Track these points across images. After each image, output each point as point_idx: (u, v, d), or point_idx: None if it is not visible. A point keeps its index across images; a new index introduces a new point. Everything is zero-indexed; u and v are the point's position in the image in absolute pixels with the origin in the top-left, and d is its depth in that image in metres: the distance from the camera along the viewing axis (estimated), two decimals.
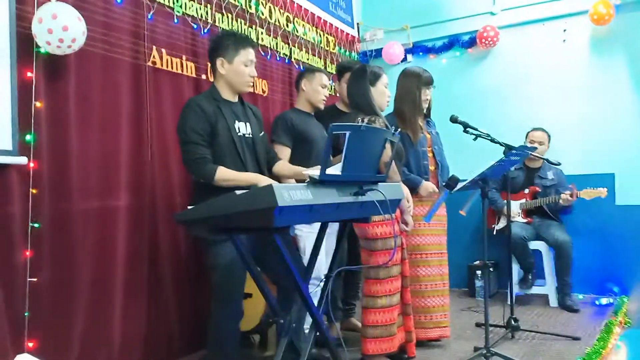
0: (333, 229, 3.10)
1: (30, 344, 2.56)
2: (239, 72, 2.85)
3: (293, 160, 3.43)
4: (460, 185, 3.12)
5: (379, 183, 2.42)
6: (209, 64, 3.06)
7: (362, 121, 3.02)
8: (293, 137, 3.50)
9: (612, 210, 4.81)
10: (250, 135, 2.91)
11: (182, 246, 3.45)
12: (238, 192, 2.02)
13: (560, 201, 4.56)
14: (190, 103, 2.80)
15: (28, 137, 2.61)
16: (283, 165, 3.10)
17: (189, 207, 2.25)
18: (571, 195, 4.50)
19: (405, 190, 3.24)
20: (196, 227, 2.71)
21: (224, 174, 2.68)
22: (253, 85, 4.06)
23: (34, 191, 2.63)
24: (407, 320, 3.28)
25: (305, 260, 3.01)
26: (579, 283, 4.75)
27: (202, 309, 3.36)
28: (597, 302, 4.68)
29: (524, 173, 4.87)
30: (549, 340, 3.69)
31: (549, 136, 4.85)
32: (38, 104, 2.66)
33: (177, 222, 2.51)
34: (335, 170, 2.16)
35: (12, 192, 2.56)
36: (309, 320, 2.80)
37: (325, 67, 5.06)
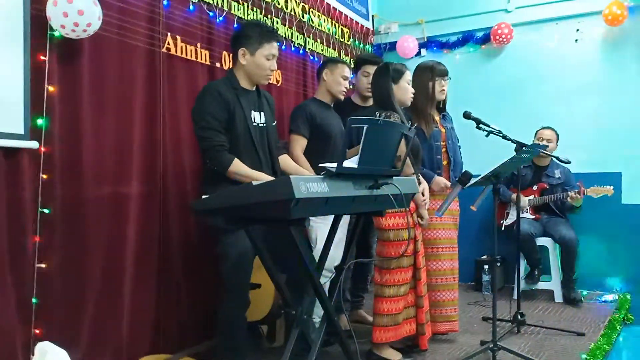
0: (344, 218, 3.10)
1: (37, 331, 2.56)
2: (260, 64, 2.83)
3: (309, 152, 3.43)
4: (472, 181, 3.13)
5: (394, 177, 2.41)
6: (230, 52, 3.03)
7: (380, 116, 3.02)
8: (311, 129, 3.49)
9: (619, 209, 4.82)
10: (264, 125, 2.91)
11: (193, 235, 3.44)
12: (255, 182, 2.02)
13: (568, 199, 4.59)
14: (209, 88, 2.78)
15: (40, 122, 2.59)
16: (285, 161, 3.09)
17: (204, 197, 2.25)
18: (578, 193, 4.54)
19: (423, 184, 3.25)
20: (210, 217, 2.70)
21: (238, 167, 2.67)
22: None
23: (45, 176, 2.62)
24: (420, 312, 3.29)
25: (316, 250, 3.01)
26: (584, 280, 4.80)
27: (213, 298, 3.35)
28: (601, 299, 4.72)
29: (532, 171, 4.89)
30: (554, 335, 3.73)
31: (557, 135, 4.85)
32: (51, 88, 2.63)
33: (194, 211, 2.51)
34: (351, 163, 2.16)
35: (23, 176, 2.54)
36: (317, 312, 2.79)
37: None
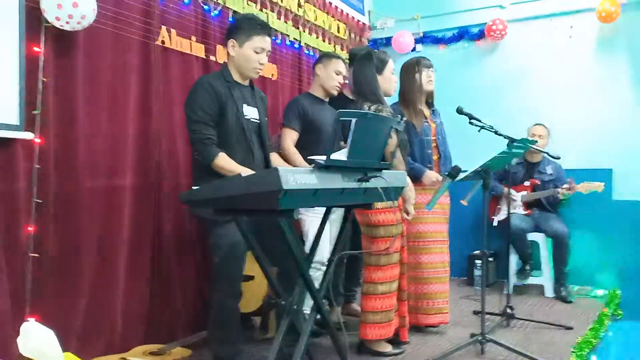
0: (338, 215, 3.13)
1: (22, 325, 2.58)
2: (247, 57, 2.83)
3: (301, 146, 3.45)
4: (462, 175, 3.16)
5: (383, 170, 2.44)
6: (224, 45, 3.04)
7: (369, 109, 3.03)
8: (303, 123, 3.51)
9: (609, 205, 4.85)
10: (258, 121, 2.92)
11: (186, 227, 3.47)
12: (244, 174, 2.04)
13: (559, 195, 4.63)
14: (202, 81, 2.80)
15: (34, 113, 2.61)
16: (274, 160, 3.09)
17: (194, 188, 2.27)
18: (569, 189, 4.58)
19: (408, 180, 3.28)
20: (200, 208, 2.73)
21: (224, 162, 2.68)
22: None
23: (39, 167, 2.64)
24: (402, 305, 3.32)
25: (309, 243, 3.04)
26: (574, 275, 4.83)
27: (205, 289, 3.39)
28: (590, 294, 4.76)
29: (524, 167, 4.93)
30: (543, 328, 3.76)
31: (548, 132, 4.89)
32: (45, 80, 2.65)
33: (182, 202, 2.53)
34: (340, 155, 2.18)
35: (17, 167, 2.56)
36: (308, 303, 2.83)
37: None
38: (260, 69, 2.91)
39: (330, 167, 2.13)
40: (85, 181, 2.89)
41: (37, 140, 2.62)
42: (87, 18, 2.64)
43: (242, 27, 2.83)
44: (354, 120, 2.15)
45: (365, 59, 3.23)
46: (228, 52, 2.87)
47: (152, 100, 3.26)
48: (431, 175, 3.54)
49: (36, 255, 2.61)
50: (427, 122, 3.66)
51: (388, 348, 3.24)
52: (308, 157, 2.17)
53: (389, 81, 3.37)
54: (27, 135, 2.57)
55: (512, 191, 4.68)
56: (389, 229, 3.13)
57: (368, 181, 2.32)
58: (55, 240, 2.74)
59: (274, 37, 2.95)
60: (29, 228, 2.60)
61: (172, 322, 3.38)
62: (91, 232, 2.91)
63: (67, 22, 2.59)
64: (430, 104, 3.78)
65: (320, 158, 2.13)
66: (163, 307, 3.32)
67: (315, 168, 2.10)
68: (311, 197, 2.09)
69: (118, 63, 3.07)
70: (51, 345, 1.26)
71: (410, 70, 3.65)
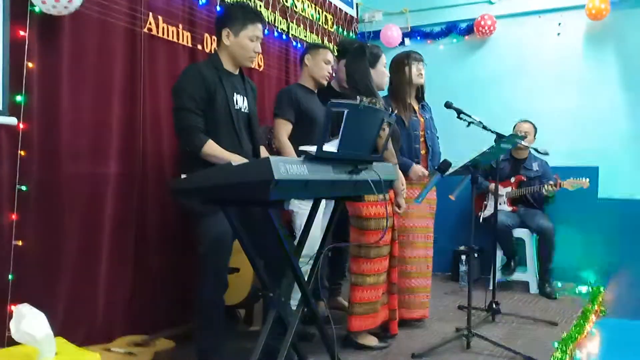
0: (330, 208, 3.11)
1: (13, 308, 2.53)
2: (243, 46, 2.79)
3: (293, 137, 3.41)
4: (451, 169, 3.15)
5: (374, 163, 2.42)
6: (214, 34, 2.99)
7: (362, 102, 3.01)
8: (296, 114, 3.47)
9: (594, 203, 4.89)
10: (247, 111, 2.88)
11: (170, 216, 3.42)
12: (234, 163, 2.01)
13: (544, 191, 4.65)
14: (191, 68, 2.76)
15: (19, 98, 2.56)
16: (264, 154, 3.04)
17: (183, 176, 2.23)
18: (555, 185, 4.59)
19: (399, 173, 3.27)
20: (188, 197, 2.67)
21: (212, 149, 2.63)
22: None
23: (23, 153, 2.59)
24: (392, 298, 3.33)
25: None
26: (559, 271, 4.87)
27: (190, 280, 3.35)
28: (575, 291, 4.79)
29: (510, 164, 4.94)
30: (528, 324, 3.79)
31: (535, 129, 4.90)
32: (30, 65, 2.60)
33: (171, 190, 2.49)
34: (331, 147, 2.16)
35: (0, 153, 2.52)
36: (295, 296, 2.81)
37: None
38: (255, 57, 2.89)
39: (321, 158, 2.11)
40: (69, 168, 2.84)
41: (22, 125, 2.57)
42: (73, 3, 2.58)
43: (237, 16, 2.79)
44: (345, 111, 2.12)
45: (358, 53, 3.21)
46: (220, 41, 2.82)
47: (138, 88, 3.21)
48: (417, 170, 3.54)
49: (19, 243, 2.57)
50: (416, 116, 3.65)
51: (374, 341, 3.24)
52: (299, 148, 2.14)
53: (382, 75, 3.35)
54: (11, 121, 2.52)
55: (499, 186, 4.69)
56: (380, 221, 3.13)
57: (359, 173, 2.30)
58: (37, 227, 2.70)
59: (262, 25, 2.91)
60: (12, 215, 2.56)
61: (156, 313, 3.33)
62: (74, 220, 2.87)
63: (54, 7, 2.53)
64: (420, 99, 3.77)
65: (311, 149, 2.10)
66: (147, 298, 3.28)
67: (306, 159, 2.07)
68: (302, 188, 2.07)
69: (104, 49, 3.02)
70: (43, 330, 1.23)
71: (400, 64, 3.63)
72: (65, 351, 1.32)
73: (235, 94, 2.81)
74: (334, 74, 4.06)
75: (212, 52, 3.42)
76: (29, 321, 1.23)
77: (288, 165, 1.96)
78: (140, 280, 3.25)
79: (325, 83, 3.67)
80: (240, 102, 2.84)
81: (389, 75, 3.43)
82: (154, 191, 3.29)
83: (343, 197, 2.64)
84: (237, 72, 2.90)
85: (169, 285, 3.41)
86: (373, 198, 2.99)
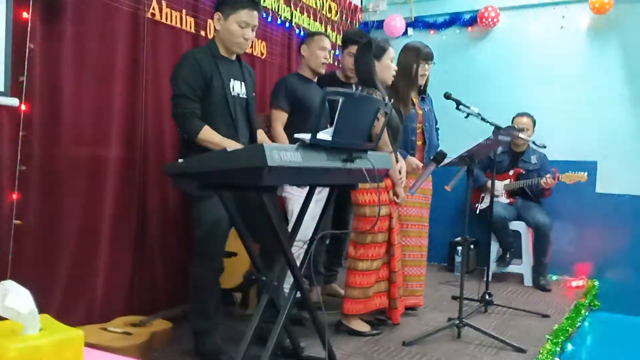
0: (323, 195, 3.14)
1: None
2: (232, 31, 2.76)
3: (290, 125, 3.45)
4: (447, 160, 3.18)
5: (368, 151, 2.45)
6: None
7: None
8: (291, 103, 3.50)
9: (592, 197, 4.91)
10: (245, 96, 2.89)
11: (171, 200, 3.47)
12: (229, 148, 2.05)
13: (542, 184, 4.66)
14: (188, 55, 2.77)
15: (21, 79, 2.59)
16: (261, 137, 3.07)
17: (179, 161, 2.27)
18: (553, 179, 4.61)
19: (401, 162, 3.31)
20: (184, 181, 2.71)
21: (208, 134, 2.65)
22: (252, 47, 4.03)
23: (24, 134, 2.62)
24: (393, 287, 3.37)
25: (293, 222, 3.05)
26: (554, 264, 4.89)
27: (188, 263, 3.39)
28: (569, 284, 4.83)
29: (509, 157, 4.96)
30: (520, 316, 3.83)
31: (534, 122, 4.91)
32: (32, 46, 2.62)
33: (166, 174, 2.53)
34: (325, 135, 2.19)
35: (2, 133, 2.55)
36: (288, 282, 2.85)
37: None
38: (244, 45, 2.84)
39: (315, 145, 2.14)
40: (71, 150, 2.87)
41: (23, 107, 2.60)
42: None
43: (229, 0, 2.77)
44: (340, 100, 2.15)
45: (365, 47, 3.26)
46: (214, 26, 2.83)
47: (140, 72, 3.23)
48: (412, 162, 3.56)
49: (19, 222, 2.61)
50: (415, 108, 3.66)
51: (366, 328, 3.29)
52: (294, 136, 2.18)
53: (387, 69, 3.34)
54: (13, 102, 2.55)
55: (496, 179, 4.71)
56: (374, 208, 3.17)
57: (353, 161, 2.32)
58: (38, 207, 2.73)
59: (264, 15, 2.90)
60: (13, 195, 2.59)
61: (154, 294, 3.39)
62: (75, 201, 2.91)
63: None
64: (421, 91, 3.78)
65: (306, 137, 2.13)
66: (145, 279, 3.33)
67: (300, 146, 2.10)
68: (296, 175, 2.11)
69: (106, 33, 3.04)
70: (27, 306, 1.27)
71: (408, 57, 3.62)
72: (49, 327, 1.36)
73: (232, 79, 2.82)
74: (338, 64, 4.08)
75: None
76: (13, 297, 1.26)
77: (282, 152, 1.99)
78: (140, 262, 3.30)
79: (323, 71, 3.69)
80: (238, 88, 2.85)
81: (395, 68, 3.42)
82: (155, 174, 3.32)
83: (337, 184, 2.67)
84: (234, 58, 2.89)
85: (168, 266, 3.46)
86: (368, 185, 3.02)
